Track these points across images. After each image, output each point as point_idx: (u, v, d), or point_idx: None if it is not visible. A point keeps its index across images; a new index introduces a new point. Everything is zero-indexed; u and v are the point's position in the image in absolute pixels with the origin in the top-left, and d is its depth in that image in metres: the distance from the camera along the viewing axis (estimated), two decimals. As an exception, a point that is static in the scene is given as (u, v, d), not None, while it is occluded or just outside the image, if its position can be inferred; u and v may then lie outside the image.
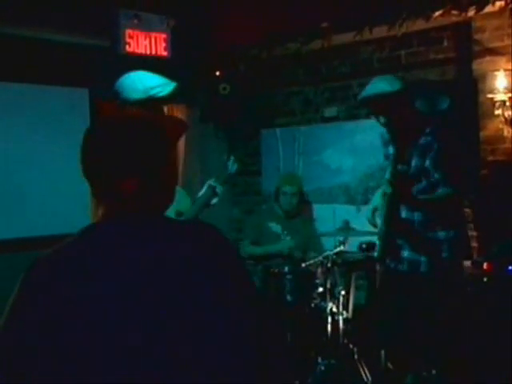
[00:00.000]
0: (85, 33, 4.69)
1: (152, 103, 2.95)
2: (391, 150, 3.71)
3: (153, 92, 2.97)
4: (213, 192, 3.08)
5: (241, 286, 1.50)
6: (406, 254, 3.71)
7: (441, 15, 4.48)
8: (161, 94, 2.99)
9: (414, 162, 3.70)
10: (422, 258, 3.65)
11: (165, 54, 5.00)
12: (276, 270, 4.53)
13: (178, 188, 3.20)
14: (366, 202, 5.18)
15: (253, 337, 1.45)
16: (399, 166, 3.71)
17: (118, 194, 1.47)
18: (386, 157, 3.90)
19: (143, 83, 2.98)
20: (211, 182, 3.12)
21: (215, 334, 1.39)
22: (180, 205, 2.99)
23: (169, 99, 3.08)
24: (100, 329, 1.32)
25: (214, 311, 1.40)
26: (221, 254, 1.50)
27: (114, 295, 1.35)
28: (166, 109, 5.56)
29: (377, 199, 3.84)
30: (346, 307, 4.39)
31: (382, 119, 3.82)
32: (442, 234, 3.63)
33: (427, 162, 3.65)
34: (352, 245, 4.53)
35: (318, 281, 4.44)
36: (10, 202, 4.63)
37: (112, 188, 1.47)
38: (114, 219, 1.48)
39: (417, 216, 3.65)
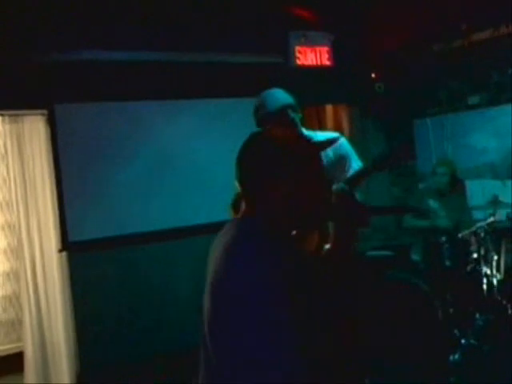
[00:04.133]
0: (264, 53, 5.25)
1: (286, 119, 3.07)
2: None
3: (287, 103, 3.08)
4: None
5: None
6: None
7: None
8: (292, 116, 3.08)
9: None
10: None
11: (328, 63, 5.42)
12: (435, 241, 4.74)
13: None
14: (510, 177, 5.36)
15: None
16: None
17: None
18: None
19: (282, 96, 3.10)
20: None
21: None
22: None
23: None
24: None
25: None
26: None
27: None
28: (330, 108, 6.06)
29: None
30: (498, 270, 4.56)
31: None
32: None
33: None
34: (501, 215, 4.73)
35: (472, 248, 4.62)
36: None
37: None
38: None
39: None
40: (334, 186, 3.13)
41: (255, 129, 5.30)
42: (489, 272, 4.56)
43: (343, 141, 3.39)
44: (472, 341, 4.31)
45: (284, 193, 1.61)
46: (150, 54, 4.90)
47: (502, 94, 5.52)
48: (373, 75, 5.87)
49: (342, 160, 3.30)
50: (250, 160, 1.68)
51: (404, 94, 6.07)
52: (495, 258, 4.59)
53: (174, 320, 5.10)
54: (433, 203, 5.30)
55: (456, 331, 4.37)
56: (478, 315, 4.44)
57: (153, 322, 5.12)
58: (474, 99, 5.80)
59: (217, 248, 1.70)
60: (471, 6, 5.10)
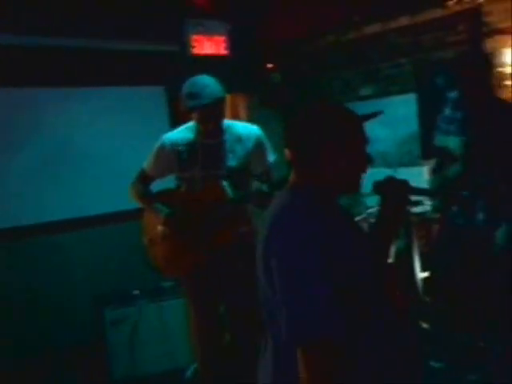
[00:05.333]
0: (160, 41, 5.14)
1: (216, 111, 3.29)
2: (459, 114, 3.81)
3: (221, 96, 3.27)
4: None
5: None
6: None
7: (455, 3, 4.85)
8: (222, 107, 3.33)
9: None
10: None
11: (225, 52, 5.37)
12: None
13: None
14: (400, 165, 5.48)
15: None
16: None
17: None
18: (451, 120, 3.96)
19: (217, 89, 3.27)
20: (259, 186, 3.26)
21: None
22: None
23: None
24: None
25: None
26: None
27: None
28: (228, 97, 6.05)
29: None
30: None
31: None
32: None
33: None
34: None
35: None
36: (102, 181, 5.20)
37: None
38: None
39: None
40: (255, 187, 3.25)
41: (152, 117, 5.30)
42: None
43: (261, 132, 3.53)
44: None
45: (332, 159, 1.79)
46: (40, 38, 4.71)
47: (391, 86, 5.68)
48: (269, 65, 5.92)
49: (260, 151, 3.45)
50: (303, 130, 1.84)
51: (299, 84, 6.14)
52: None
53: (67, 313, 4.96)
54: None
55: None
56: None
57: (45, 315, 4.95)
58: (365, 90, 5.93)
59: (267, 218, 1.81)
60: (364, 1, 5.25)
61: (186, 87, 3.30)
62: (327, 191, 1.84)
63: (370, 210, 4.77)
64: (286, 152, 1.87)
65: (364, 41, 5.61)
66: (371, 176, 6.08)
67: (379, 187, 2.07)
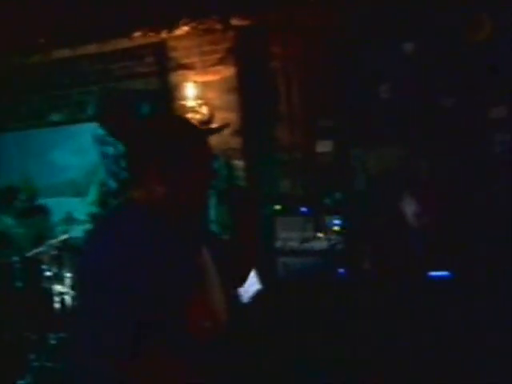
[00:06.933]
0: None
1: None
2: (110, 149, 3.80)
3: None
4: None
5: None
6: None
7: (141, 35, 4.83)
8: None
9: None
10: None
11: None
12: (5, 261, 4.49)
13: None
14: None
15: None
16: None
17: None
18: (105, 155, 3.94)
19: None
20: None
21: None
22: None
23: None
24: None
25: None
26: None
27: None
28: None
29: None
30: (72, 287, 4.46)
31: None
32: None
33: None
34: (78, 231, 4.67)
35: (44, 267, 4.48)
36: None
37: None
38: None
39: None
40: None
41: None
42: (62, 290, 4.47)
43: None
44: (45, 362, 4.16)
45: (170, 177, 1.60)
46: None
47: (81, 113, 5.52)
48: None
49: None
50: (139, 144, 1.65)
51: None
52: (68, 275, 4.50)
53: None
54: (12, 225, 5.08)
55: (32, 355, 4.19)
56: (51, 334, 4.29)
57: None
58: (57, 116, 5.69)
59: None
60: (51, 23, 4.93)
61: None
62: (158, 210, 1.62)
63: (50, 242, 4.57)
64: None
65: (53, 65, 5.38)
66: (60, 205, 5.88)
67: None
